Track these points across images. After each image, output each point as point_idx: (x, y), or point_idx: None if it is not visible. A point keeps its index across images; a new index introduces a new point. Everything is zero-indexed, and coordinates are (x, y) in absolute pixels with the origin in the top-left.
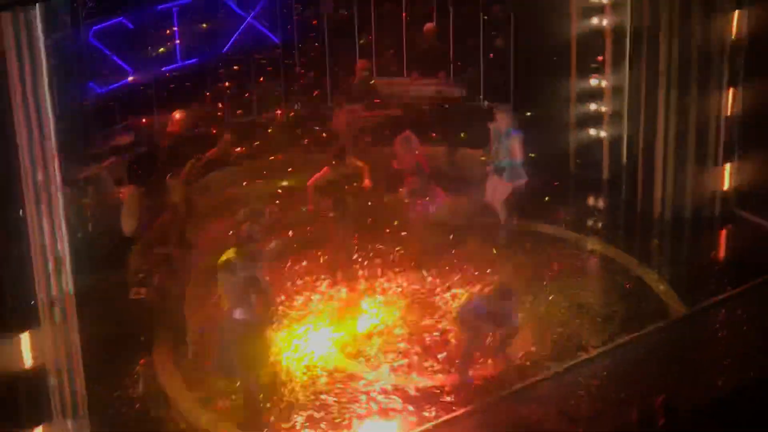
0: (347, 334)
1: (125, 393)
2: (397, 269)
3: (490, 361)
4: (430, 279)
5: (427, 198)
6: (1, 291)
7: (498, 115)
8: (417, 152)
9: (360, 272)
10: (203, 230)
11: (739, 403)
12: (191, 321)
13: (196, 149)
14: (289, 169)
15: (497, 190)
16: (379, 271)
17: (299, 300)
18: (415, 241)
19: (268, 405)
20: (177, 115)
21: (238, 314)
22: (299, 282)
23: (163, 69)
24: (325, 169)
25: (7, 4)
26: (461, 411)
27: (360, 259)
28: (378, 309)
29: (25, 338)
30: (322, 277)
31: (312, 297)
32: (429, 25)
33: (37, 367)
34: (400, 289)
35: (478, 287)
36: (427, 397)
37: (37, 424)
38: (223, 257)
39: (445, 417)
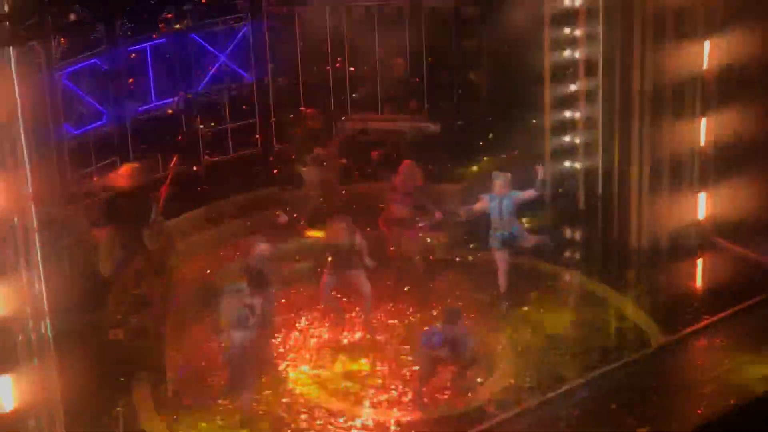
0: (327, 370)
1: None
2: (378, 304)
3: (448, 391)
4: (409, 313)
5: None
6: None
7: (497, 182)
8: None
9: (340, 308)
10: (181, 271)
11: (720, 430)
12: (170, 360)
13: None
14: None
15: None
16: (358, 306)
17: (278, 338)
18: (398, 274)
19: None
20: (123, 170)
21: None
22: (278, 319)
23: (138, 109)
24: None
25: None
26: None
27: (340, 295)
28: (358, 345)
29: (4, 382)
30: (302, 314)
31: (292, 335)
32: (398, 60)
33: (17, 410)
34: (379, 325)
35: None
36: None
37: None
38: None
39: None
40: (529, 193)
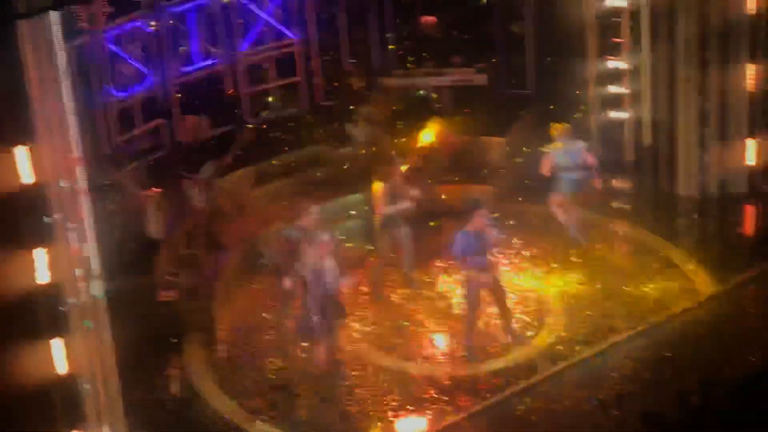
0: (378, 327)
1: (159, 395)
2: (427, 259)
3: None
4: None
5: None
6: (32, 298)
7: (557, 135)
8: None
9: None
10: (231, 230)
11: None
12: (222, 320)
13: (215, 151)
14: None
15: (569, 210)
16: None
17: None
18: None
19: (303, 400)
20: (188, 123)
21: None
22: None
23: (182, 70)
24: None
25: (25, 13)
26: (495, 398)
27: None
28: (407, 301)
29: (57, 344)
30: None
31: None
32: (427, 18)
33: (71, 373)
34: (429, 280)
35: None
36: (460, 387)
37: (73, 429)
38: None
39: (480, 405)
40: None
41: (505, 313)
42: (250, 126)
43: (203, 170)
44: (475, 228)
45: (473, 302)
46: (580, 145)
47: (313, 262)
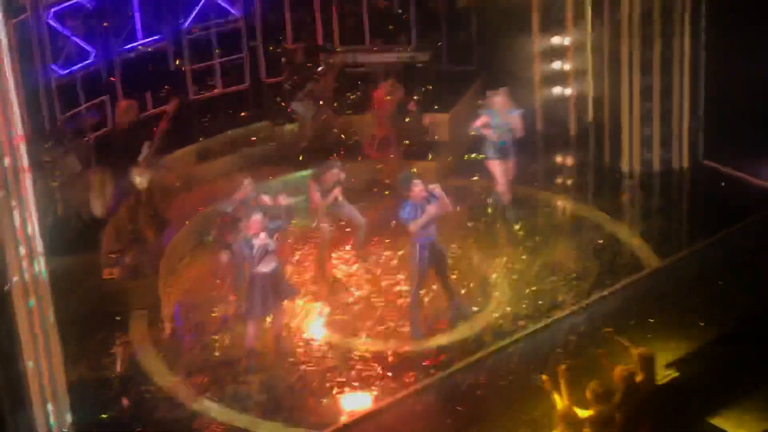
0: (324, 303)
1: (103, 373)
2: (371, 236)
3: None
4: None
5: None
6: None
7: (496, 97)
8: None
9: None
10: (172, 208)
11: (718, 352)
12: (167, 297)
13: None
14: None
15: (506, 171)
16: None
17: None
18: (390, 205)
19: (248, 377)
20: (119, 107)
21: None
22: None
23: (124, 48)
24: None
25: None
26: (440, 374)
27: (335, 227)
28: (352, 278)
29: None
30: (296, 248)
31: (286, 269)
32: None
33: (14, 351)
34: (374, 257)
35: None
36: (405, 363)
37: (17, 409)
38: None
39: (426, 381)
40: (518, 124)
41: (448, 288)
42: (174, 100)
43: (142, 151)
44: (416, 199)
45: (418, 278)
46: (515, 112)
47: (245, 237)
